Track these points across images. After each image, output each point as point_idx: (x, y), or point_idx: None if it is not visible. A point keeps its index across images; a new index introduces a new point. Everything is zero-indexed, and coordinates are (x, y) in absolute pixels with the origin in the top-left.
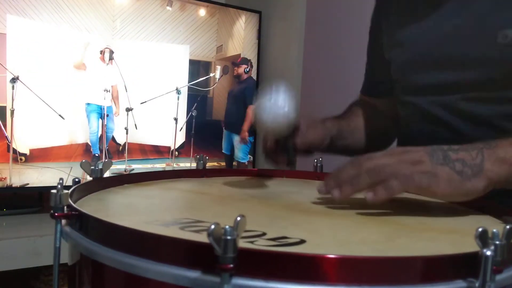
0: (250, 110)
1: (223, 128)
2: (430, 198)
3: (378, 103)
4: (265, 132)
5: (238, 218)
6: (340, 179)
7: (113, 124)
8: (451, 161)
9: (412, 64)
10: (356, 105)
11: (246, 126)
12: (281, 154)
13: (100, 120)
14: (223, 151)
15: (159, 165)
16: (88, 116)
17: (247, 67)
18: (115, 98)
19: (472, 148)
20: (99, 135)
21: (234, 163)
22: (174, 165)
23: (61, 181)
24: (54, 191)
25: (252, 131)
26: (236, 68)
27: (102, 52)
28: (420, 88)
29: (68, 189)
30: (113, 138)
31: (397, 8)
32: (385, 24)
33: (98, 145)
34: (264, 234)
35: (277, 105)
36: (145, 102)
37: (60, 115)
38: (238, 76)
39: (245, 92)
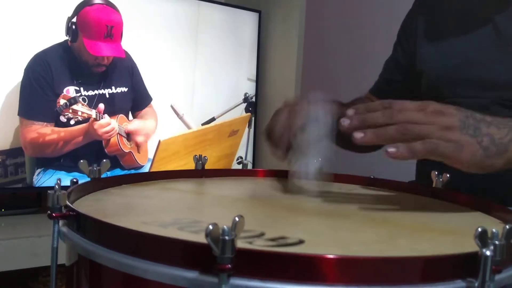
0: None
1: None
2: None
3: None
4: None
5: (236, 219)
6: (366, 122)
7: None
8: (481, 135)
9: (447, 80)
10: (361, 100)
11: None
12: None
13: None
14: None
15: None
16: None
17: None
18: None
19: (504, 125)
20: None
21: None
22: None
23: (58, 182)
24: (51, 191)
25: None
26: None
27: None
28: (452, 97)
29: (66, 190)
30: None
31: (436, 24)
32: (421, 38)
33: None
34: (262, 234)
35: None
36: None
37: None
38: None
39: None
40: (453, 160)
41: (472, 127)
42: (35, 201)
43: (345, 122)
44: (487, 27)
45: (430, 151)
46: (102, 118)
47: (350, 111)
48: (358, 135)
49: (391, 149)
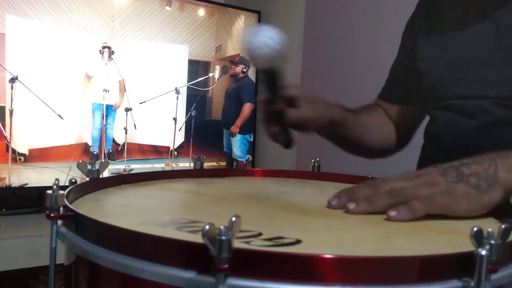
0: (246, 107)
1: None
2: (450, 216)
3: (392, 111)
4: (252, 59)
5: (233, 218)
6: (355, 197)
7: (113, 121)
8: (465, 177)
9: (447, 78)
10: (369, 106)
11: (239, 121)
12: (275, 124)
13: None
14: (224, 150)
15: (158, 165)
16: (93, 112)
17: (245, 67)
18: (121, 91)
19: (484, 160)
20: (101, 132)
21: (234, 162)
22: (173, 165)
23: (56, 182)
24: (49, 191)
25: (249, 129)
26: (233, 67)
27: (101, 52)
28: (453, 97)
29: (66, 190)
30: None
31: (436, 21)
32: (421, 36)
33: (98, 142)
34: (260, 234)
35: (264, 32)
36: (144, 102)
37: (59, 115)
38: (235, 75)
39: (240, 91)
40: (452, 210)
41: (454, 173)
42: (36, 200)
43: (333, 201)
44: (487, 23)
45: (428, 206)
46: None
47: (335, 193)
48: (351, 206)
49: (393, 213)
